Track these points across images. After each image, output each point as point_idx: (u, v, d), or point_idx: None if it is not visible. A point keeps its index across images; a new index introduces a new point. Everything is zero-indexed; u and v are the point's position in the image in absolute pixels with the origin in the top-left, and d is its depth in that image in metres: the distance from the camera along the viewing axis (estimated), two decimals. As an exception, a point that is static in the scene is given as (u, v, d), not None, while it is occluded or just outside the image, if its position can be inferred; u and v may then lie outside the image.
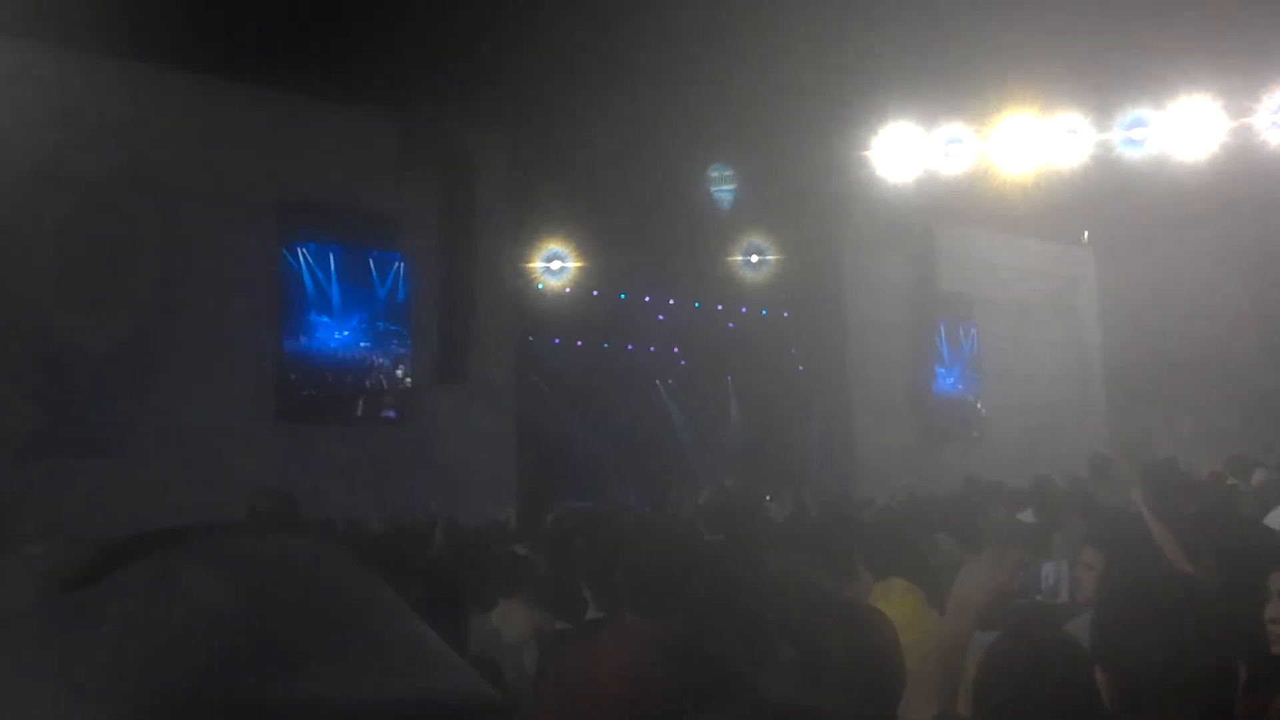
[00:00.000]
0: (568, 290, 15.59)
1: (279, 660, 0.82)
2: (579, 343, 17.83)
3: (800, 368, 18.23)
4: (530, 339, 16.16)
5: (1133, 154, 13.84)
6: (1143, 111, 13.69)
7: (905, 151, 14.21)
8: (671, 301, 17.83)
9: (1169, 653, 1.87)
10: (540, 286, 15.49)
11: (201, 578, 0.86)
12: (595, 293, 16.07)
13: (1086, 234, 19.71)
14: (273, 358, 12.93)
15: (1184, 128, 13.44)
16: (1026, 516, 7.28)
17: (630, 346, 18.61)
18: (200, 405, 11.70)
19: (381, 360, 13.91)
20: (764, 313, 17.90)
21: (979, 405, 18.64)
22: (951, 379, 18.46)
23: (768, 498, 10.80)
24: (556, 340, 17.38)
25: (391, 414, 13.74)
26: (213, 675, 0.80)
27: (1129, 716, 1.93)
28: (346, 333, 13.94)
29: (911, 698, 2.41)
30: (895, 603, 4.06)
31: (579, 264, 15.34)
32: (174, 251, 11.95)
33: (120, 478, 10.85)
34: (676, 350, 19.15)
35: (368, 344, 13.89)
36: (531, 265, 15.34)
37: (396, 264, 13.93)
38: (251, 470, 10.73)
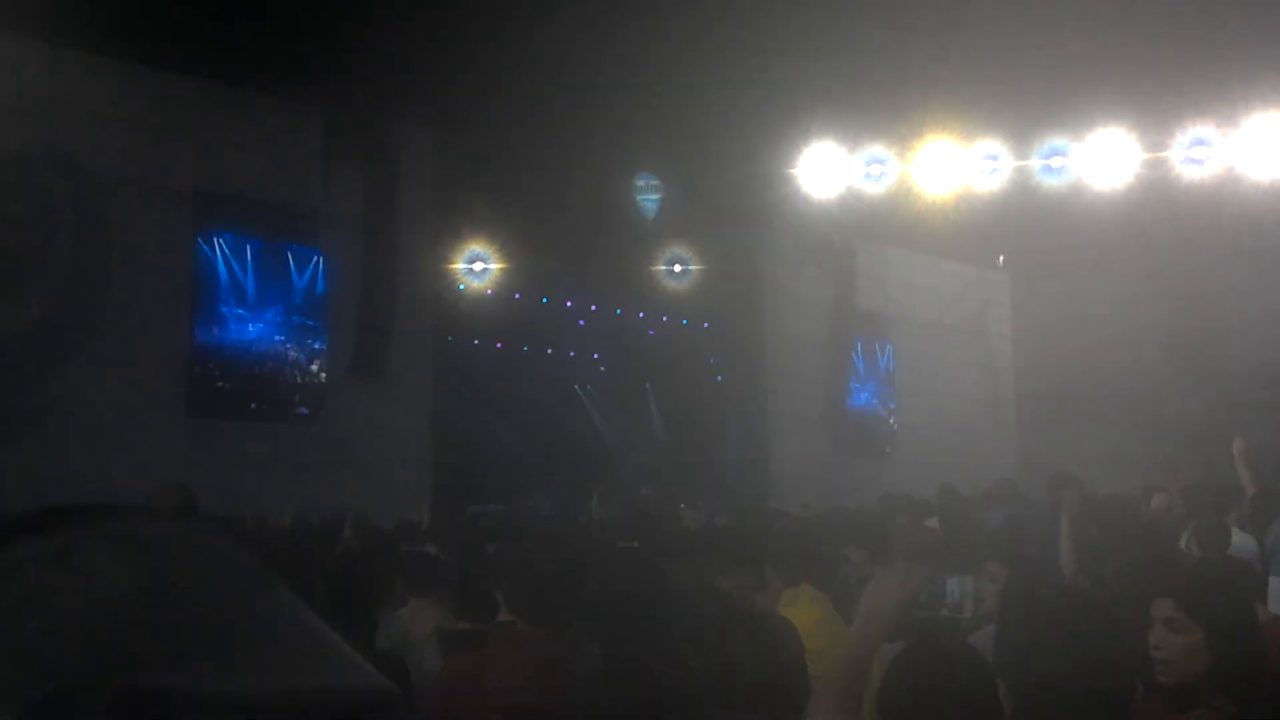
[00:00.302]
0: (489, 292, 15.53)
1: (176, 649, 0.80)
2: (498, 345, 17.77)
3: (719, 378, 18.35)
4: (450, 339, 16.06)
5: (1050, 182, 14.17)
6: (1061, 141, 14.02)
7: (829, 170, 14.40)
8: (593, 307, 17.84)
9: (1066, 666, 1.90)
10: (461, 287, 15.40)
11: (103, 558, 0.83)
12: (516, 295, 16.03)
13: (1002, 258, 20.12)
14: (184, 349, 12.69)
15: (1100, 159, 13.79)
16: (933, 524, 7.41)
17: (550, 350, 18.60)
18: (108, 396, 11.44)
19: (296, 356, 13.72)
20: (684, 322, 17.99)
21: (892, 422, 18.92)
22: (866, 395, 18.72)
23: (681, 505, 10.87)
24: (476, 341, 17.30)
25: (305, 410, 13.56)
26: (113, 660, 0.77)
27: None
28: (261, 326, 13.73)
29: (816, 708, 2.43)
30: (803, 609, 4.13)
31: (501, 266, 15.29)
32: (87, 236, 11.68)
33: (22, 468, 10.57)
34: (596, 356, 19.18)
35: (282, 339, 13.70)
36: (453, 266, 15.25)
37: (315, 259, 13.76)
38: (159, 464, 10.54)
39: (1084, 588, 2.26)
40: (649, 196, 15.33)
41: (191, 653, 0.80)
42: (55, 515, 0.89)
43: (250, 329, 13.51)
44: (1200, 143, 13.57)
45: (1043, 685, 1.93)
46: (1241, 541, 5.79)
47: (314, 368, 13.68)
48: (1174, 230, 15.45)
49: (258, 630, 0.85)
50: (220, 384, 13.05)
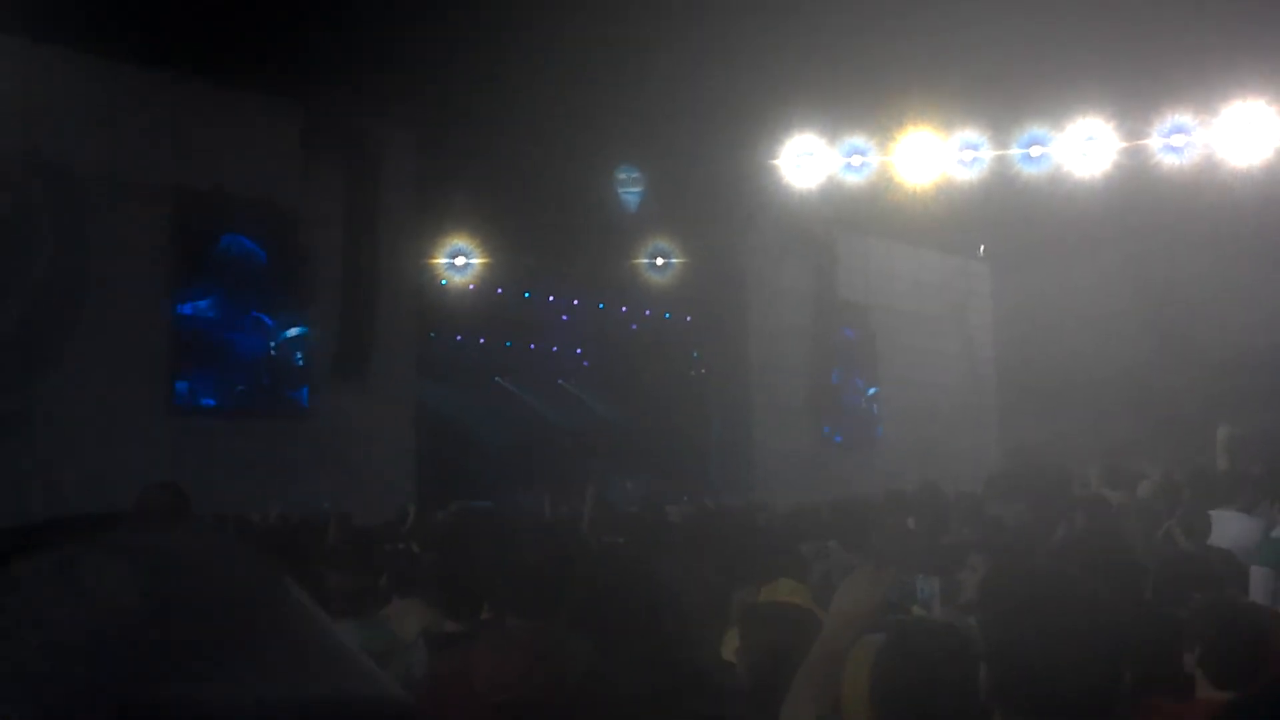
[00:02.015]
0: (471, 287, 15.50)
1: (186, 660, 0.78)
2: (481, 340, 17.74)
3: (702, 371, 18.37)
4: (432, 335, 16.02)
5: (1030, 171, 14.22)
6: (1040, 130, 14.07)
7: (809, 161, 14.42)
8: (576, 302, 17.82)
9: (1047, 646, 1.90)
10: (444, 283, 15.37)
11: (105, 571, 0.82)
12: (499, 290, 16.00)
13: (983, 248, 20.18)
14: (166, 348, 12.63)
15: (1080, 147, 13.85)
16: (911, 522, 7.42)
17: (533, 345, 18.57)
18: (90, 397, 11.38)
19: (279, 354, 13.68)
20: (667, 316, 18.00)
21: (875, 411, 18.97)
22: (849, 385, 18.76)
23: (665, 502, 10.87)
24: (459, 337, 17.27)
25: (289, 408, 13.52)
26: (117, 675, 0.76)
27: (1003, 711, 1.96)
28: (243, 325, 13.68)
29: (791, 703, 2.46)
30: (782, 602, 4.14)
31: (483, 261, 15.26)
32: (65, 236, 11.61)
33: (3, 471, 10.51)
34: (580, 351, 19.16)
35: (265, 337, 13.65)
36: (435, 261, 15.21)
37: (298, 256, 13.70)
38: (142, 463, 10.49)
39: (1068, 572, 2.26)
40: (630, 190, 15.32)
41: (199, 664, 0.79)
42: (55, 528, 0.88)
43: (232, 328, 13.46)
44: (1179, 130, 13.64)
45: (1026, 671, 1.91)
46: (1241, 528, 5.73)
47: (297, 367, 13.64)
48: (1154, 217, 15.52)
49: (267, 638, 0.84)
50: (202, 383, 13.01)
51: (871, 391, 19.00)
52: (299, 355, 13.68)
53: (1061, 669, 1.87)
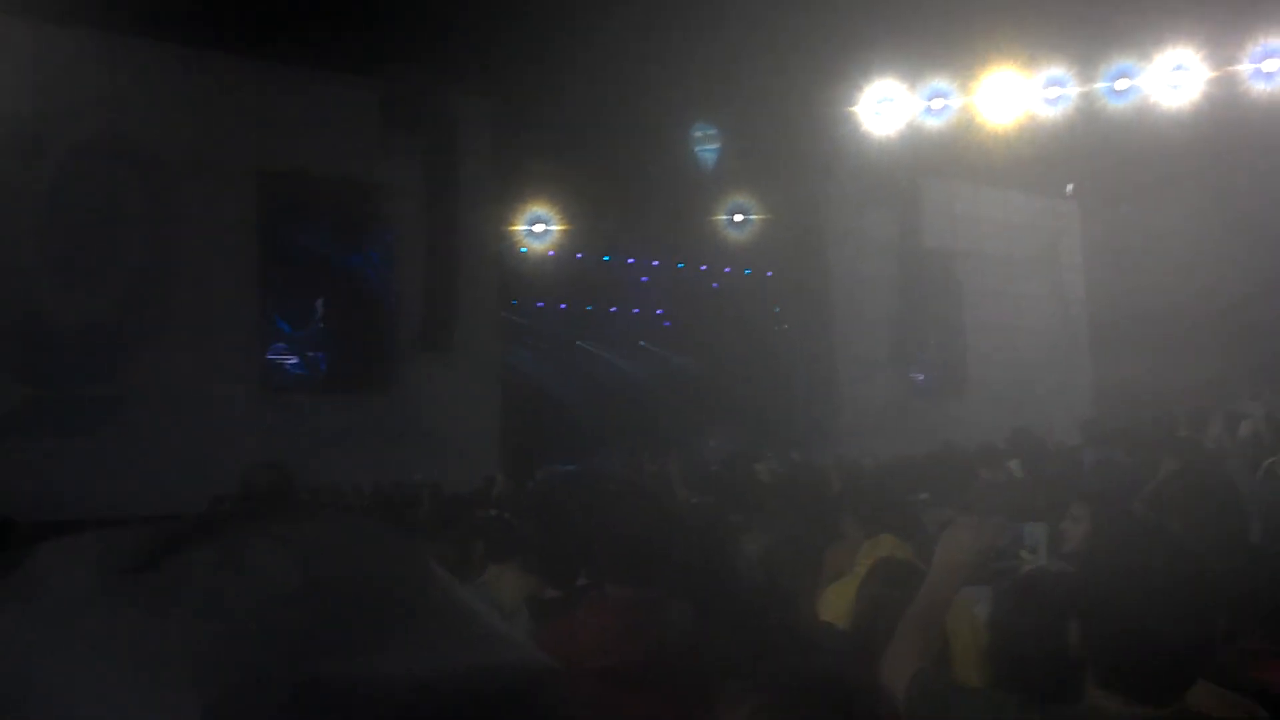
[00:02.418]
0: (551, 253, 15.52)
1: (345, 639, 0.83)
2: (563, 305, 17.78)
3: (785, 326, 18.22)
4: (514, 303, 16.09)
5: (1117, 106, 13.79)
6: (1126, 63, 13.63)
7: (889, 108, 14.15)
8: (655, 263, 17.77)
9: (1153, 610, 1.89)
10: (524, 250, 15.41)
11: (269, 557, 0.88)
12: (579, 255, 16.00)
13: (1071, 187, 19.68)
14: (258, 328, 12.87)
15: (1167, 79, 13.39)
16: (1015, 467, 7.29)
17: (614, 308, 18.57)
18: (187, 378, 11.64)
19: (366, 329, 13.85)
20: (747, 272, 17.86)
21: (964, 361, 18.67)
22: (937, 336, 18.47)
23: (754, 461, 10.81)
24: (540, 304, 17.33)
25: (378, 382, 13.70)
26: (285, 655, 0.81)
27: (1105, 668, 1.96)
28: (331, 302, 13.87)
29: (893, 655, 2.42)
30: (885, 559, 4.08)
31: (562, 227, 15.26)
32: (157, 222, 11.86)
33: (106, 455, 10.79)
34: (660, 312, 19.12)
35: (353, 313, 13.83)
36: (514, 229, 15.25)
37: (381, 232, 13.84)
38: (239, 442, 10.71)
39: (1174, 532, 2.24)
40: (707, 147, 15.18)
41: (359, 641, 0.84)
42: (223, 518, 0.96)
43: (320, 305, 13.66)
44: (1272, 54, 13.10)
45: (1126, 629, 1.91)
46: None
47: (385, 341, 13.80)
48: (1246, 149, 14.99)
49: (417, 613, 0.90)
50: (294, 360, 13.23)
51: (960, 339, 18.69)
52: (386, 329, 13.84)
53: (1157, 632, 1.88)
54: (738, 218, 16.23)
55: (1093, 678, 1.97)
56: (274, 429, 11.87)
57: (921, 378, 18.22)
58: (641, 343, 19.34)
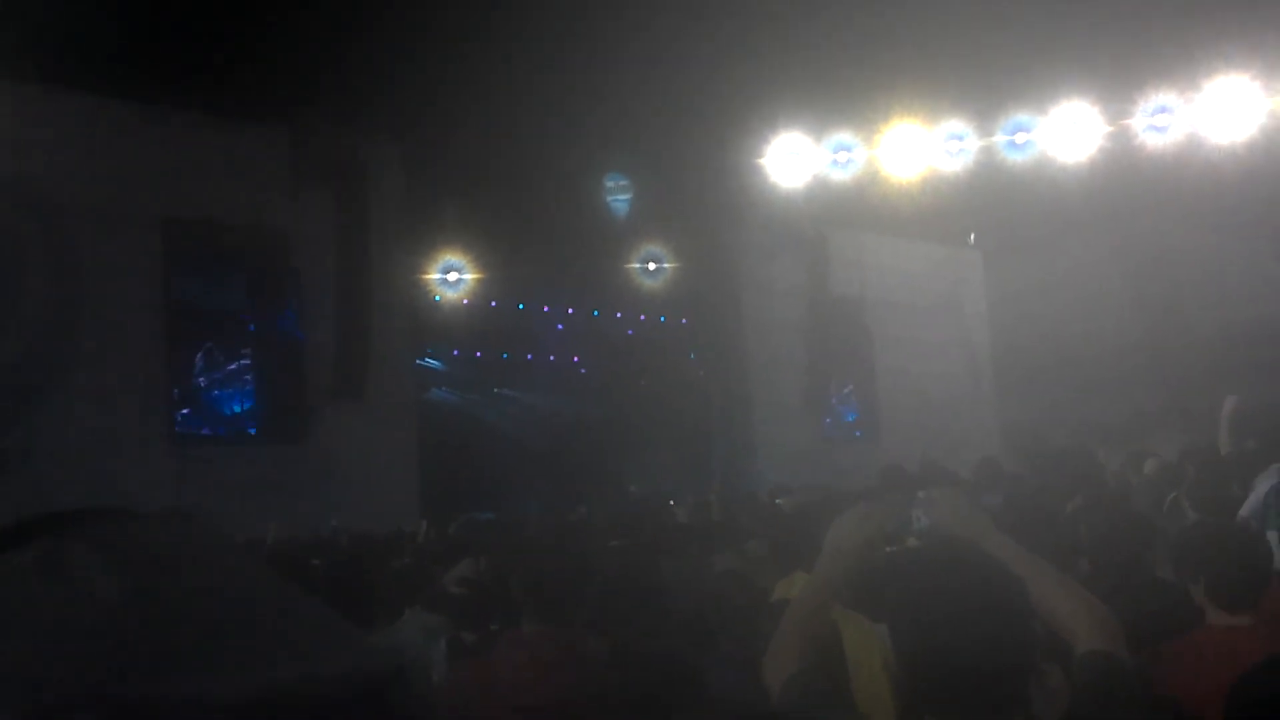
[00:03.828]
0: (465, 301, 15.51)
1: (167, 652, 0.76)
2: (478, 354, 17.74)
3: (701, 372, 18.39)
4: (429, 351, 16.01)
5: (1015, 158, 14.28)
6: (1024, 117, 14.13)
7: (796, 159, 14.46)
8: (570, 310, 17.83)
9: (957, 632, 1.79)
10: (437, 298, 15.38)
11: (88, 565, 0.80)
12: (493, 303, 16.01)
13: (973, 236, 20.23)
14: (165, 378, 12.64)
15: (1064, 132, 13.91)
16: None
17: (530, 356, 18.58)
18: (91, 426, 11.39)
19: (277, 377, 13.68)
20: (662, 319, 18.01)
21: (874, 406, 19.01)
22: (845, 380, 18.80)
23: (671, 501, 10.89)
24: (456, 352, 17.27)
25: (290, 432, 13.51)
26: (102, 670, 0.74)
27: (926, 695, 1.86)
28: (240, 350, 13.68)
29: (773, 652, 2.24)
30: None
31: (476, 275, 15.27)
32: (60, 271, 11.64)
33: (6, 507, 10.48)
34: (576, 359, 19.16)
35: (261, 361, 13.65)
36: (428, 277, 15.23)
37: (290, 280, 13.71)
38: (146, 493, 10.50)
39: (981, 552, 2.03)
40: (619, 196, 15.36)
41: (183, 654, 0.77)
42: (35, 523, 0.86)
43: (229, 354, 13.47)
44: (1163, 110, 13.69)
45: (933, 656, 1.82)
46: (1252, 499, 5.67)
47: (295, 390, 13.62)
48: (1142, 198, 15.56)
49: (249, 624, 0.83)
50: (202, 410, 13.01)
51: (868, 385, 19.03)
52: (299, 378, 13.67)
53: (964, 657, 1.78)
54: (652, 266, 16.40)
55: (922, 705, 1.86)
56: (183, 480, 11.64)
57: (834, 427, 18.49)
58: (559, 391, 19.35)
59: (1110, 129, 13.88)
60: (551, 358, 18.74)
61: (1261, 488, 4.96)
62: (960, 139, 14.25)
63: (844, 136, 14.42)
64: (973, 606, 1.80)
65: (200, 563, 0.87)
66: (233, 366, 13.52)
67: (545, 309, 17.58)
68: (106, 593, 0.78)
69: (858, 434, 18.54)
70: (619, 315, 18.02)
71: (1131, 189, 15.07)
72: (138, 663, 0.74)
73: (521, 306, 17.09)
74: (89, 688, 0.72)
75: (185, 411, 12.92)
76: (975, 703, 1.78)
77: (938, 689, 1.82)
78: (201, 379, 13.19)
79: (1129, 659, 2.06)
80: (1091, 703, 1.95)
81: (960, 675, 1.78)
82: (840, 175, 14.58)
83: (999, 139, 14.25)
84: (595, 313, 17.95)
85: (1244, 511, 4.90)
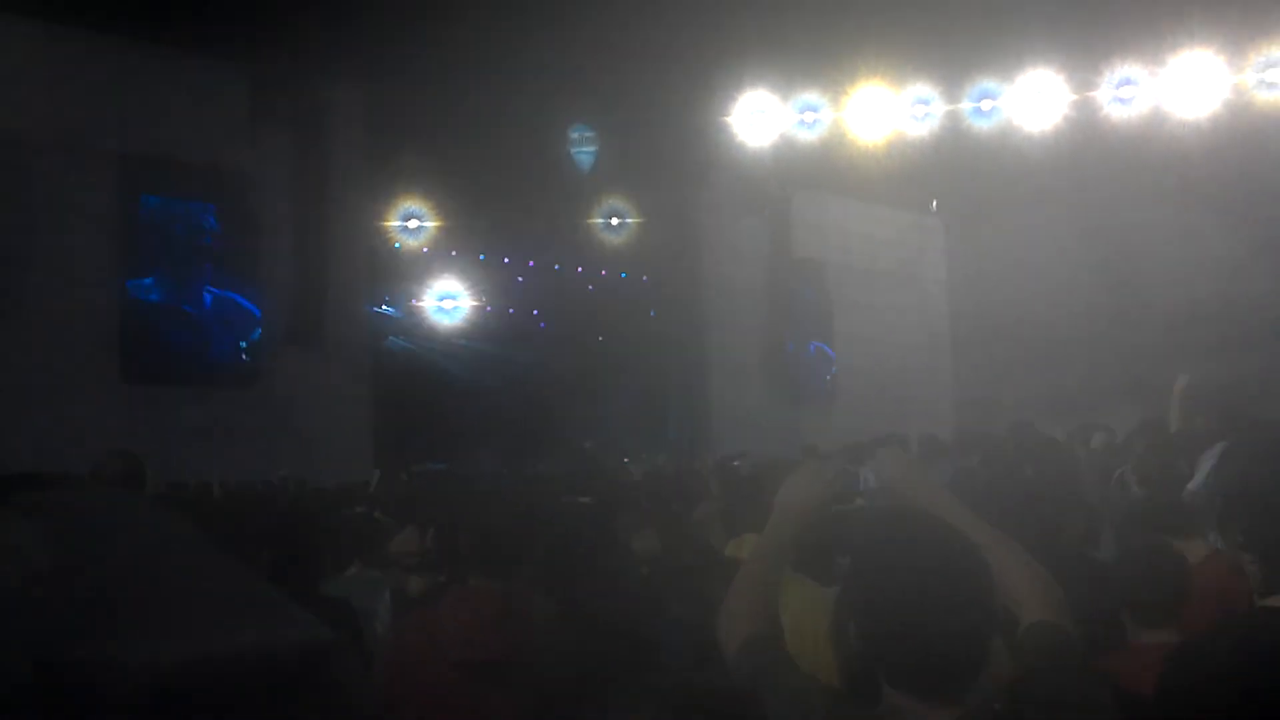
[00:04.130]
0: (425, 250, 15.37)
1: (100, 620, 0.77)
2: (437, 303, 17.61)
3: (660, 331, 18.36)
4: (386, 299, 15.88)
5: (980, 125, 14.29)
6: (991, 84, 14.13)
7: (762, 119, 14.40)
8: (531, 263, 17.73)
9: (917, 602, 1.76)
10: (397, 246, 15.23)
11: (16, 532, 0.80)
12: (453, 253, 15.88)
13: (935, 202, 20.25)
14: (118, 316, 12.45)
15: (1030, 100, 13.93)
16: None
17: (489, 308, 18.47)
18: (41, 365, 11.22)
19: (232, 321, 13.51)
20: (624, 275, 17.95)
21: (831, 368, 19.07)
22: (804, 342, 18.83)
23: (625, 459, 10.91)
24: (414, 301, 17.15)
25: (243, 377, 13.38)
26: (29, 635, 0.74)
27: (885, 667, 1.83)
28: (195, 292, 13.50)
29: (726, 614, 2.19)
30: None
31: (437, 224, 15.13)
32: (13, 204, 11.40)
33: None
34: (536, 313, 19.07)
35: (218, 304, 13.48)
36: (388, 224, 15.06)
37: (248, 222, 13.51)
38: (97, 434, 10.36)
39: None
40: (584, 149, 15.24)
41: (116, 623, 0.77)
42: None
43: (183, 295, 13.28)
44: (1128, 82, 13.74)
45: (893, 625, 1.78)
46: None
47: (250, 334, 13.48)
48: (1104, 169, 15.63)
49: (188, 594, 0.83)
50: (154, 351, 12.84)
51: (826, 348, 19.09)
52: (253, 322, 13.52)
53: (923, 627, 1.75)
54: (614, 221, 16.32)
55: (882, 676, 1.82)
56: (134, 422, 11.50)
57: (790, 390, 18.55)
58: (516, 343, 19.26)
59: (1075, 98, 13.92)
60: (511, 310, 18.63)
61: (1206, 465, 5.01)
62: (926, 103, 14.23)
63: (810, 97, 14.37)
64: (932, 570, 1.77)
65: (135, 531, 0.87)
66: (187, 309, 13.33)
67: (505, 260, 17.46)
68: (34, 561, 0.78)
69: (816, 396, 18.60)
70: (580, 270, 17.94)
71: (1094, 161, 15.13)
72: (63, 628, 0.74)
73: (483, 257, 16.97)
74: (13, 651, 0.72)
75: (135, 353, 12.73)
76: (932, 669, 1.76)
77: (894, 654, 1.80)
78: (154, 321, 12.99)
79: (1074, 631, 2.05)
80: (1037, 674, 1.93)
81: (918, 641, 1.75)
82: (806, 136, 14.53)
83: (965, 105, 14.25)
84: (556, 266, 17.85)
85: (1190, 487, 4.95)
